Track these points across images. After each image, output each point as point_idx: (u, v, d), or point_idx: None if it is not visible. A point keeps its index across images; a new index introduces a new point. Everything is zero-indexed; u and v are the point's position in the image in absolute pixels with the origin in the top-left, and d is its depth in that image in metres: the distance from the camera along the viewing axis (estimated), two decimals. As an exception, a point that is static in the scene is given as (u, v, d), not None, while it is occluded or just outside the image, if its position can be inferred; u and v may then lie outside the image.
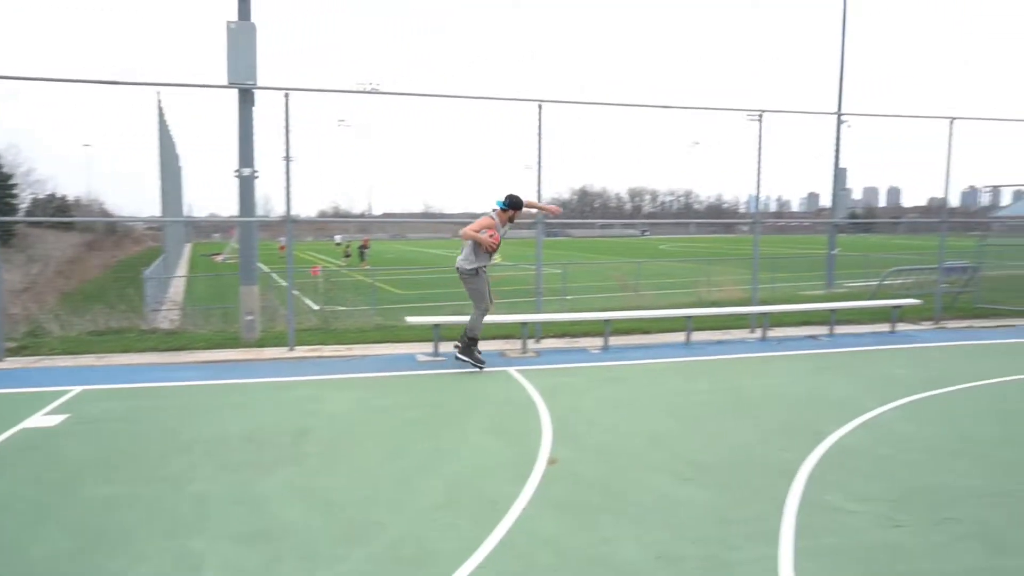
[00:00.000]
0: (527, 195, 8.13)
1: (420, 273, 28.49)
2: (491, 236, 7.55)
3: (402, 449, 5.17)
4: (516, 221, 7.97)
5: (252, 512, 4.05)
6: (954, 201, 17.79)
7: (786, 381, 7.52)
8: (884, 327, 10.57)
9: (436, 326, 8.60)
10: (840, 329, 10.31)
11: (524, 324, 8.94)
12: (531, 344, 9.08)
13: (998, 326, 11.10)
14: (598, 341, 9.23)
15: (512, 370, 7.78)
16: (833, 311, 10.36)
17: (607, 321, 9.23)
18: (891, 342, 9.69)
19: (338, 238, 48.31)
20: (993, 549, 3.64)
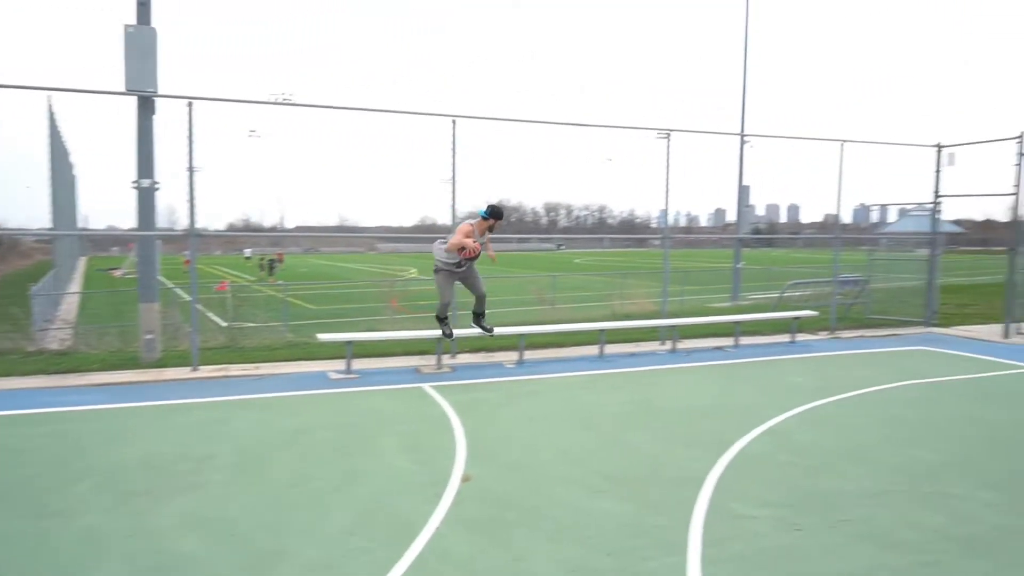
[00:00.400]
0: (445, 210, 8.14)
1: (335, 288, 27.89)
2: (471, 250, 7.58)
3: (312, 472, 5.01)
4: (495, 232, 8.00)
5: (148, 546, 3.82)
6: (847, 218, 18.96)
7: (694, 392, 7.76)
8: (785, 338, 11.11)
9: (349, 343, 8.42)
10: (745, 340, 10.75)
11: (439, 340, 8.86)
12: (446, 360, 9.02)
13: (886, 335, 11.86)
14: (514, 355, 9.27)
15: (427, 386, 7.69)
16: (737, 323, 10.80)
17: (522, 335, 9.28)
18: (791, 352, 10.18)
19: (248, 252, 46.67)
20: (882, 547, 3.86)
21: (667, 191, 10.57)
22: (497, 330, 10.13)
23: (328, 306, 19.94)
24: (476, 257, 7.61)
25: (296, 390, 7.53)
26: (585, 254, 68.48)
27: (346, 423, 6.31)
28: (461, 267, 7.66)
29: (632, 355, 9.76)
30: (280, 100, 8.77)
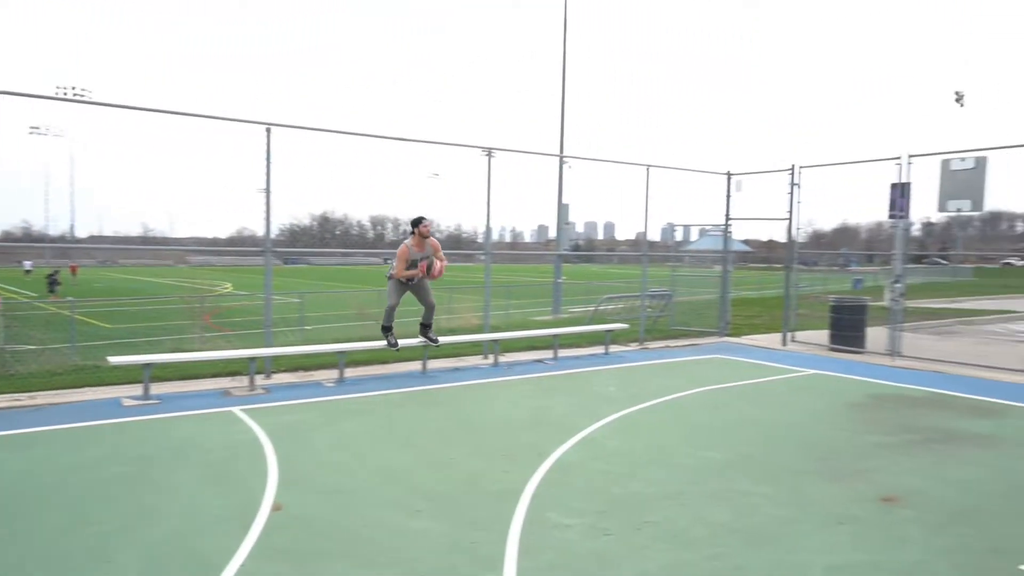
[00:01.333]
0: (261, 219, 8.03)
1: (137, 305, 25.36)
2: (420, 267, 8.42)
3: (96, 513, 4.47)
4: (428, 235, 8.57)
5: None
6: (655, 236, 20.47)
7: (514, 405, 7.94)
8: (600, 349, 11.74)
9: (147, 365, 7.67)
10: (563, 352, 11.22)
11: (252, 359, 8.35)
12: (260, 380, 8.51)
13: (687, 345, 12.93)
14: (334, 374, 8.95)
15: (237, 410, 7.19)
16: (556, 336, 11.25)
17: (341, 352, 8.99)
18: (605, 363, 10.77)
19: (28, 264, 41.25)
20: (679, 545, 4.15)
21: (488, 208, 10.82)
22: (316, 348, 9.79)
23: (127, 325, 18.09)
24: (428, 271, 8.39)
25: (81, 421, 6.71)
26: (413, 268, 68.15)
27: (139, 455, 5.71)
28: (412, 281, 8.44)
29: (455, 370, 9.81)
30: (69, 96, 7.85)
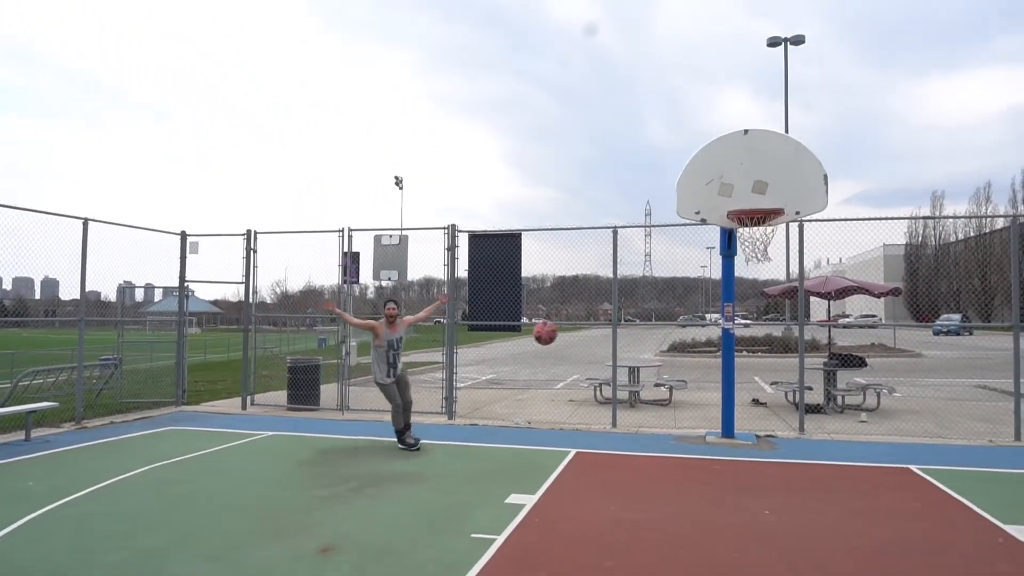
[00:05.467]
0: None
1: None
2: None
3: None
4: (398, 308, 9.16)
5: None
6: (112, 296, 18.15)
7: None
8: (19, 436, 9.70)
9: None
10: (-37, 445, 8.89)
11: None
12: None
13: (137, 418, 11.72)
14: None
15: None
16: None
17: None
18: (26, 452, 8.94)
19: None
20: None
21: None
22: None
23: None
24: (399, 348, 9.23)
25: None
26: None
27: None
28: (392, 377, 9.22)
29: None
30: None
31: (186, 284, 13.38)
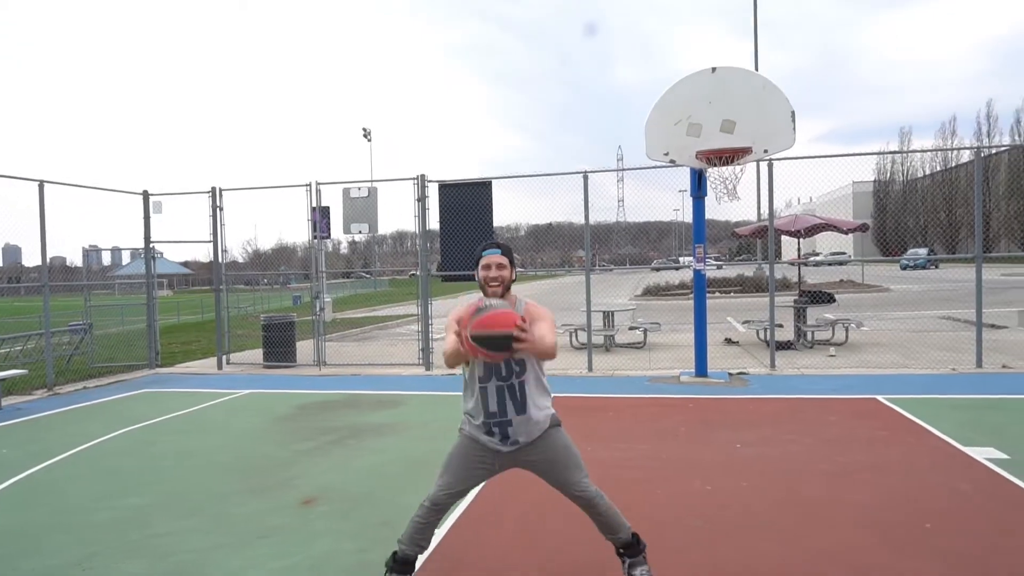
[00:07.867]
0: None
1: None
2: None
3: None
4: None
5: None
6: (78, 260, 17.76)
7: None
8: (-11, 404, 9.59)
9: None
10: (-67, 416, 8.77)
11: None
12: None
13: (111, 383, 11.62)
14: None
15: None
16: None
17: None
18: (-2, 420, 8.85)
19: None
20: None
21: None
22: None
23: None
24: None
25: None
26: None
27: None
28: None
29: None
30: None
31: (152, 245, 13.12)
